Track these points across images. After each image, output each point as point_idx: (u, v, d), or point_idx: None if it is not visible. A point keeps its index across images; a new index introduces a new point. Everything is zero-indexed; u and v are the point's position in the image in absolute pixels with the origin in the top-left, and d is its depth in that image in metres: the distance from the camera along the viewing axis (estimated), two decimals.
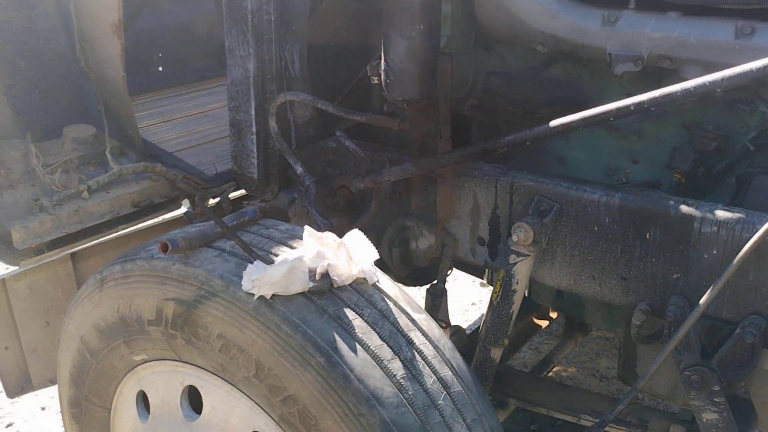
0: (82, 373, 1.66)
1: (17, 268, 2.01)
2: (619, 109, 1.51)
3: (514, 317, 1.85)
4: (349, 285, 1.34)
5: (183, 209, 2.49)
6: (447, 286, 2.11)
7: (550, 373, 2.91)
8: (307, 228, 1.35)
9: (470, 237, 1.98)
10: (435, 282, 2.07)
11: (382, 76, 1.83)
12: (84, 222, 2.11)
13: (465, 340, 2.19)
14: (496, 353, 1.90)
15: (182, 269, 1.37)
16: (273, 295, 1.27)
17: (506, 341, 1.89)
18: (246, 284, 1.25)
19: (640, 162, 1.95)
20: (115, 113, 2.42)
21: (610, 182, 1.90)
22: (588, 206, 1.72)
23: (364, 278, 1.36)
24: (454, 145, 1.90)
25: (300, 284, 1.26)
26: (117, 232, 2.23)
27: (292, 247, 1.40)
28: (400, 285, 1.45)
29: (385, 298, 1.36)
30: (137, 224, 2.29)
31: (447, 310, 2.06)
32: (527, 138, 1.65)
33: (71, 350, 1.65)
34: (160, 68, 3.51)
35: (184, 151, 2.85)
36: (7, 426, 2.87)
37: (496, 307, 1.83)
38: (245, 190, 2.45)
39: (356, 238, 1.37)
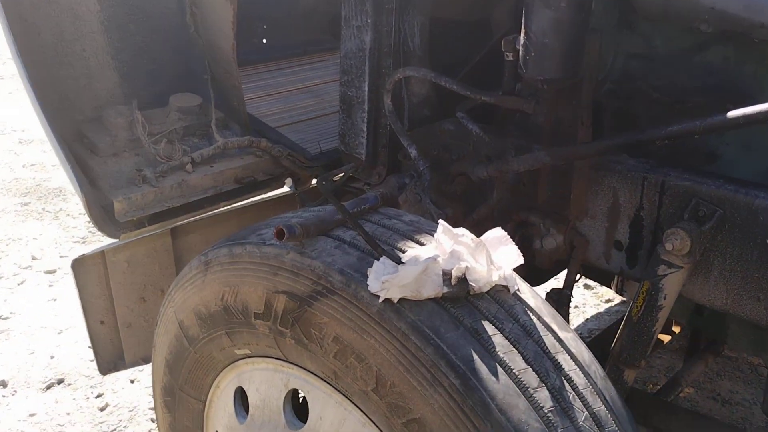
0: (178, 361, 1.55)
1: (117, 240, 1.92)
2: None
3: (655, 336, 1.62)
4: (487, 293, 1.15)
5: (285, 188, 2.36)
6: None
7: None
8: (441, 222, 1.16)
9: (605, 240, 1.75)
10: (560, 289, 1.85)
11: (521, 52, 1.62)
12: (186, 196, 2.00)
13: None
14: (630, 375, 1.67)
15: (297, 259, 1.21)
16: (400, 298, 1.09)
17: (644, 362, 1.65)
18: (373, 285, 1.08)
19: None
20: (222, 84, 2.31)
21: None
22: (760, 214, 1.46)
23: (505, 285, 1.16)
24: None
25: (433, 288, 1.08)
26: (218, 208, 2.12)
27: (419, 243, 1.22)
28: (540, 294, 1.25)
29: (528, 311, 1.16)
30: (239, 201, 2.17)
31: (568, 320, 1.84)
32: (697, 130, 1.40)
33: (169, 335, 1.54)
34: (264, 40, 3.40)
35: (285, 127, 2.72)
36: (97, 396, 2.86)
37: (635, 323, 1.60)
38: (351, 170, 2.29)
39: (497, 237, 1.17)
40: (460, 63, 2.17)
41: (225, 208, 2.20)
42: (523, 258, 1.19)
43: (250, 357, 1.40)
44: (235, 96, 2.27)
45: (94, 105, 2.11)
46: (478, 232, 1.90)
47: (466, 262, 1.12)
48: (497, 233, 1.19)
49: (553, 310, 1.21)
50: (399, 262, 1.11)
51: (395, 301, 1.09)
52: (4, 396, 2.88)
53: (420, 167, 1.93)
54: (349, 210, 1.27)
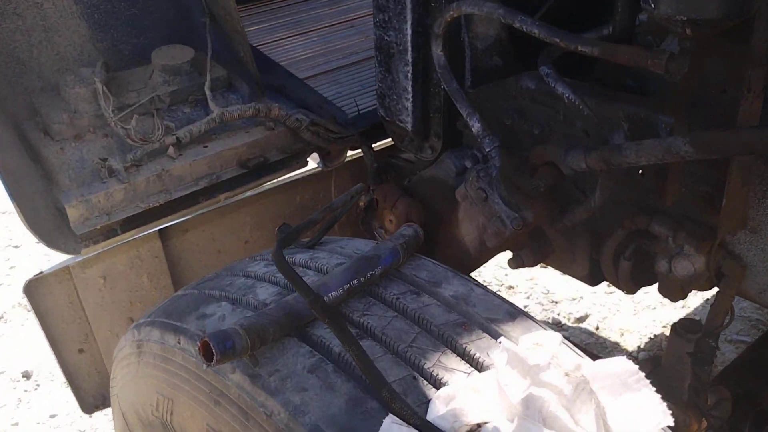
0: None
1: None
2: None
3: None
4: None
5: (311, 165, 1.82)
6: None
7: None
8: (505, 343, 0.59)
9: None
10: (699, 328, 1.24)
11: None
12: (170, 191, 1.50)
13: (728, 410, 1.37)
14: None
15: (246, 387, 0.68)
16: None
17: None
18: None
19: None
20: (224, 28, 1.75)
21: None
22: None
23: None
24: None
25: None
26: (217, 202, 1.61)
27: (474, 362, 0.66)
28: None
29: None
30: (247, 189, 1.65)
31: (709, 376, 1.24)
32: None
33: (118, 420, 1.07)
34: None
35: (321, 77, 2.15)
36: None
37: None
38: (395, 142, 1.72)
39: (616, 371, 0.60)
40: None
41: (240, 196, 1.69)
42: (670, 418, 0.61)
43: None
44: (241, 45, 1.71)
45: (56, 68, 1.61)
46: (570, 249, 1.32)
47: (554, 425, 0.55)
48: (618, 365, 0.60)
49: None
50: (418, 425, 0.56)
51: None
52: (26, 391, 2.59)
53: (486, 147, 1.34)
54: (339, 288, 0.71)
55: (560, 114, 1.33)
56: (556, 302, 2.86)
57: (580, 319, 2.74)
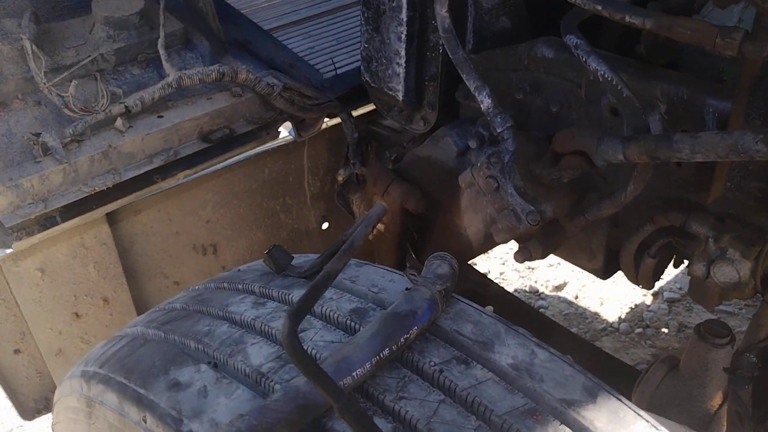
0: None
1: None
2: None
3: None
4: None
5: (284, 134, 1.59)
6: None
7: None
8: None
9: None
10: (730, 340, 1.11)
11: None
12: (119, 171, 1.27)
13: None
14: None
15: None
16: None
17: None
18: None
19: None
20: None
21: None
22: None
23: None
24: None
25: None
26: (176, 180, 1.38)
27: None
28: None
29: None
30: (209, 165, 1.42)
31: (750, 396, 1.11)
32: None
33: None
34: None
35: (289, 29, 1.90)
36: None
37: None
38: (381, 111, 1.51)
39: None
40: None
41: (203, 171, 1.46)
42: None
43: None
44: None
45: None
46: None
47: None
48: None
49: None
50: None
51: None
52: None
53: (497, 127, 1.14)
54: (367, 362, 0.53)
55: (582, 89, 1.15)
56: (533, 269, 2.74)
57: (559, 288, 2.63)
